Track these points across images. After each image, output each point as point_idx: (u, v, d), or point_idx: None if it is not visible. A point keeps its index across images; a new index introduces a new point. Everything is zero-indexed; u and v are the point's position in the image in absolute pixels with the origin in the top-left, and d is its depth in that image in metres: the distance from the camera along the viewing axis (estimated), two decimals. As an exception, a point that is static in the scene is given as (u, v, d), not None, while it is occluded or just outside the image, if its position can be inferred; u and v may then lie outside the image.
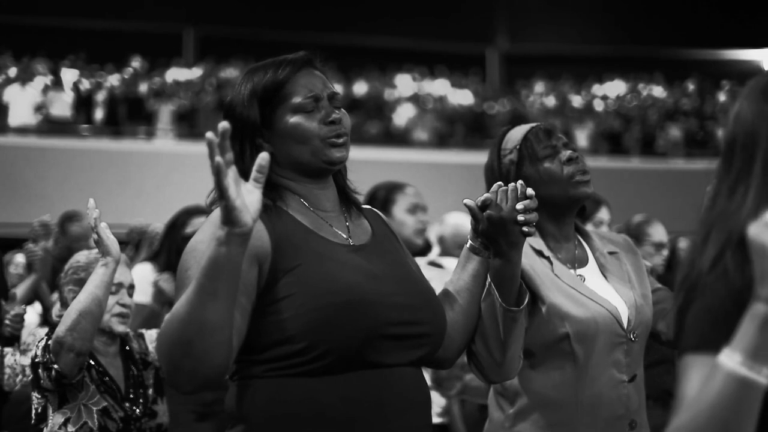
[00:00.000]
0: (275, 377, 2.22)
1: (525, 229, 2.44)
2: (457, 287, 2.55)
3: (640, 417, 2.93)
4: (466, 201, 2.52)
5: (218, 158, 1.89)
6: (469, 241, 2.57)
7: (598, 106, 23.51)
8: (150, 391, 3.81)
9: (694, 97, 24.34)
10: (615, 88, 24.95)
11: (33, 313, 6.21)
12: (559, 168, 2.97)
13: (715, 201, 1.67)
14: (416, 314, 2.33)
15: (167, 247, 5.43)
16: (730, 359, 1.43)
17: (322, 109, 2.41)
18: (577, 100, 23.72)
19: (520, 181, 2.49)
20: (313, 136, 2.37)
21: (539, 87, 24.58)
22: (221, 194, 1.92)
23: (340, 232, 2.41)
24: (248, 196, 1.97)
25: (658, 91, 24.78)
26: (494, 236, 2.47)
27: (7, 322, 4.72)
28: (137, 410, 3.72)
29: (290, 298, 2.20)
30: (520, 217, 2.43)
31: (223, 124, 1.90)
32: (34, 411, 3.69)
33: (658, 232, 5.42)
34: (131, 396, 3.73)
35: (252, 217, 1.97)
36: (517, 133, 3.06)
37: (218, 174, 1.90)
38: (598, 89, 24.83)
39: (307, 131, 2.37)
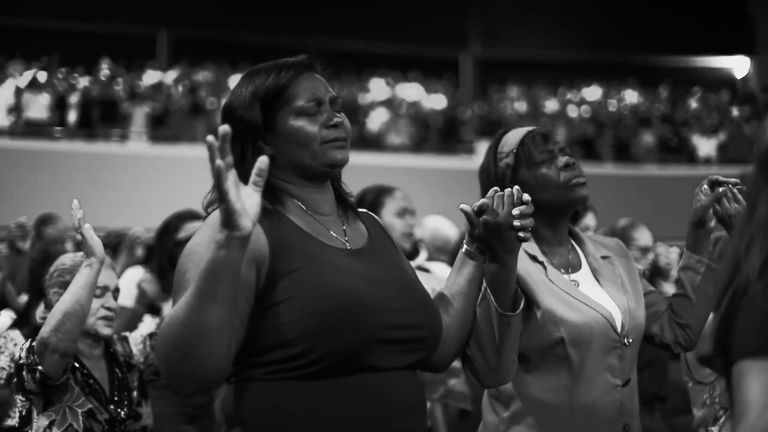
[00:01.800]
0: (272, 380, 2.22)
1: (521, 234, 2.44)
2: (452, 291, 2.54)
3: (633, 421, 2.95)
4: (462, 206, 2.52)
5: (219, 161, 1.89)
6: (465, 246, 2.57)
7: (572, 111, 23.59)
8: (134, 394, 3.80)
9: (666, 104, 24.45)
10: (589, 93, 25.05)
11: (6, 316, 6.18)
12: (556, 173, 2.98)
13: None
14: (413, 318, 2.33)
15: (159, 252, 5.47)
16: None
17: (324, 112, 2.42)
18: (550, 106, 23.79)
19: (516, 187, 2.49)
20: (315, 139, 2.38)
21: (512, 92, 24.64)
22: (221, 197, 1.92)
23: (337, 236, 2.42)
24: (247, 200, 1.97)
25: (632, 97, 24.89)
26: (490, 241, 2.48)
27: None
28: (122, 412, 3.71)
29: (288, 302, 2.20)
30: (516, 223, 2.43)
31: (224, 128, 1.90)
32: (18, 414, 3.66)
33: (643, 237, 5.45)
34: (116, 398, 3.72)
35: (251, 220, 1.97)
36: (513, 137, 3.06)
37: (218, 177, 1.90)
38: (572, 95, 24.93)
39: (309, 134, 2.38)
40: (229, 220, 1.95)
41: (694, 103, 24.40)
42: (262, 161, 1.98)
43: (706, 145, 21.87)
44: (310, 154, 2.38)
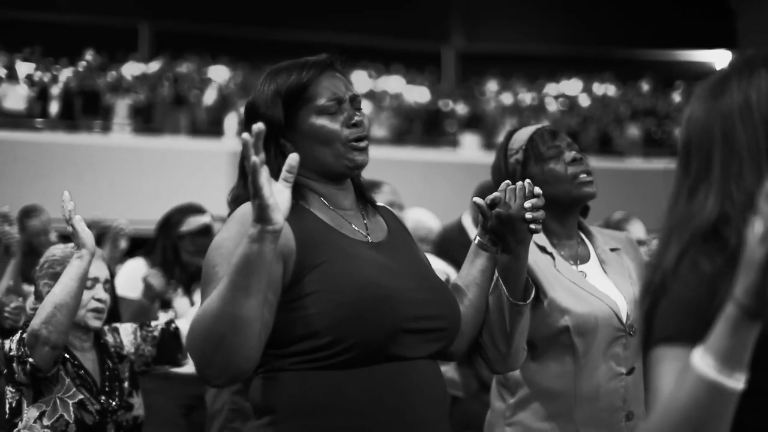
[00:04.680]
0: (301, 370, 2.28)
1: (532, 226, 2.53)
2: (465, 282, 2.62)
3: (637, 409, 3.03)
4: (476, 199, 2.61)
5: (254, 158, 1.95)
6: (478, 238, 2.64)
7: (553, 104, 23.62)
8: (126, 384, 3.82)
9: (648, 97, 24.54)
10: (571, 87, 25.09)
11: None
12: (563, 168, 3.10)
13: (675, 204, 1.68)
14: (434, 309, 2.40)
15: (162, 245, 5.58)
16: (703, 362, 1.41)
17: (345, 111, 2.47)
18: (532, 99, 23.83)
19: (527, 180, 2.57)
20: (337, 138, 2.44)
21: (494, 85, 24.65)
22: (256, 193, 1.98)
23: (359, 230, 2.49)
24: (279, 195, 2.04)
25: (612, 90, 24.95)
26: (503, 233, 2.56)
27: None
28: (113, 403, 3.72)
29: (316, 294, 2.27)
30: (528, 215, 2.52)
31: (259, 125, 1.96)
32: (8, 405, 3.66)
33: (637, 230, 5.50)
34: (107, 389, 3.73)
35: (283, 215, 2.04)
36: (523, 134, 3.19)
37: (254, 173, 1.96)
38: (553, 88, 24.97)
39: (330, 133, 2.44)
40: (262, 215, 2.00)
41: (677, 97, 24.48)
42: (293, 158, 2.06)
43: (692, 139, 21.89)
44: (333, 153, 2.45)
